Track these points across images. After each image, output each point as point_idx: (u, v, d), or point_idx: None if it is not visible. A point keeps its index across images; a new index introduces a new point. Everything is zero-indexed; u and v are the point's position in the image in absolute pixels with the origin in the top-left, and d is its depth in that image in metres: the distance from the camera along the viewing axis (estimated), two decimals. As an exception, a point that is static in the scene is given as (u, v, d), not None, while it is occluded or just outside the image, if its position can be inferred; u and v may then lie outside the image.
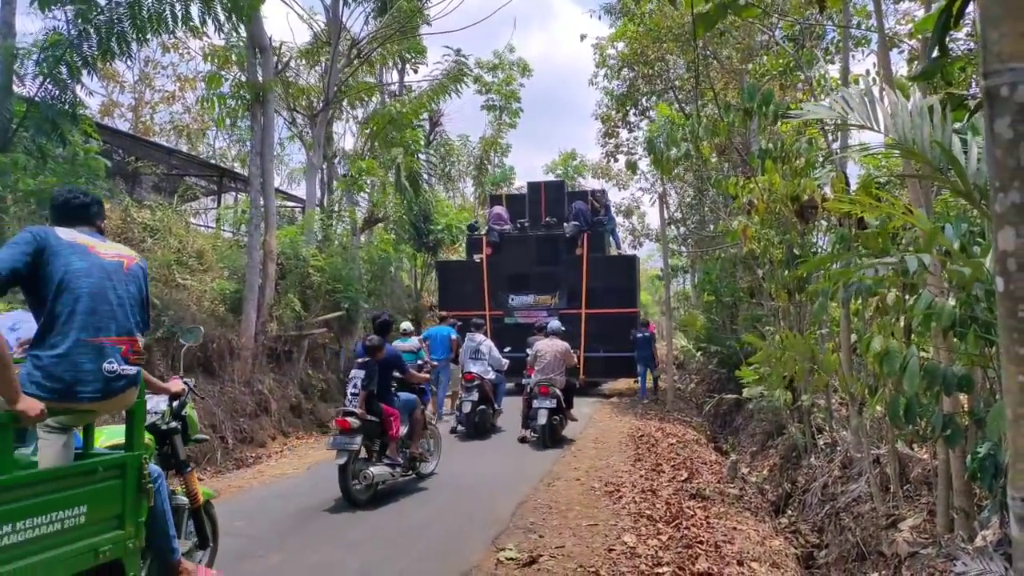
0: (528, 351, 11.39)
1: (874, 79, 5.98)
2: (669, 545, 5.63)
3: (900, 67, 11.27)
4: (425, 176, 22.35)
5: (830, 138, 10.78)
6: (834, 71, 13.34)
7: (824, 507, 6.55)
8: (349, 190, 17.57)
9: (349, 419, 6.87)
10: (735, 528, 6.29)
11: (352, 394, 7.16)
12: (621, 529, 6.04)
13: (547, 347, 10.80)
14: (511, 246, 19.05)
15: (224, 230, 19.86)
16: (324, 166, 17.63)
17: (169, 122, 24.79)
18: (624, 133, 21.59)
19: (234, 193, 21.31)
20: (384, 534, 5.93)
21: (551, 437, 10.33)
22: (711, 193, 18.09)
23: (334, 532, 5.92)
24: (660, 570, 5.05)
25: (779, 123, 8.43)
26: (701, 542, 5.73)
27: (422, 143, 21.19)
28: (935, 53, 3.44)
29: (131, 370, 3.31)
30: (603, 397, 18.10)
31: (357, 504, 6.84)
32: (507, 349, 13.07)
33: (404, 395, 7.83)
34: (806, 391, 8.01)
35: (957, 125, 3.35)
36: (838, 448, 7.27)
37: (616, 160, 22.96)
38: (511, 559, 5.26)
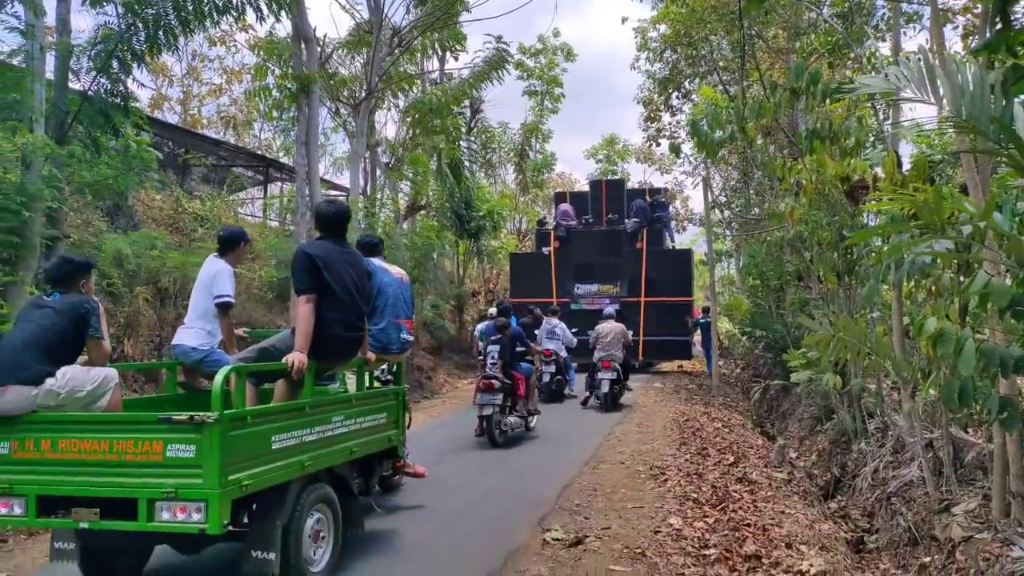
0: (590, 332, 13.25)
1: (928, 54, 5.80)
2: (716, 528, 5.61)
3: (954, 43, 10.87)
4: (466, 163, 22.48)
5: (881, 116, 10.51)
6: (884, 49, 12.98)
7: (875, 492, 6.45)
8: (392, 179, 17.72)
9: (493, 381, 8.86)
10: (783, 512, 6.23)
11: (491, 363, 9.17)
12: (667, 512, 6.04)
13: (608, 328, 12.73)
14: (577, 240, 20.75)
15: (271, 219, 20.21)
16: (367, 155, 17.80)
17: (217, 114, 25.25)
18: (666, 117, 21.32)
19: (280, 183, 21.66)
20: (431, 514, 6.03)
21: (612, 402, 12.28)
22: (756, 175, 17.84)
23: (381, 512, 6.01)
24: (707, 552, 5.04)
25: (828, 102, 8.23)
26: (748, 525, 5.70)
27: (463, 130, 21.31)
28: (997, 26, 3.33)
29: (410, 338, 5.85)
30: (655, 375, 19.56)
31: (497, 445, 8.80)
32: (574, 331, 14.36)
33: (525, 364, 10.01)
34: (856, 375, 7.86)
35: (1022, 97, 3.23)
36: (889, 433, 7.14)
37: (658, 144, 22.71)
38: (557, 539, 5.30)
